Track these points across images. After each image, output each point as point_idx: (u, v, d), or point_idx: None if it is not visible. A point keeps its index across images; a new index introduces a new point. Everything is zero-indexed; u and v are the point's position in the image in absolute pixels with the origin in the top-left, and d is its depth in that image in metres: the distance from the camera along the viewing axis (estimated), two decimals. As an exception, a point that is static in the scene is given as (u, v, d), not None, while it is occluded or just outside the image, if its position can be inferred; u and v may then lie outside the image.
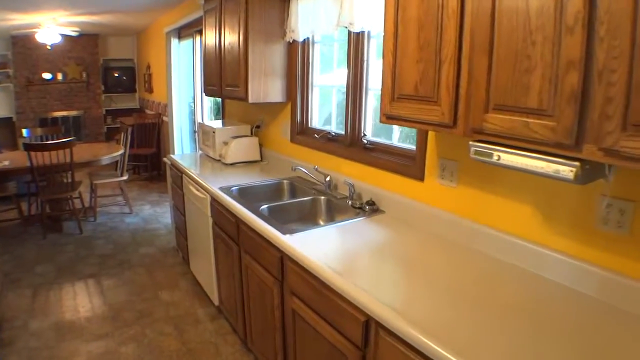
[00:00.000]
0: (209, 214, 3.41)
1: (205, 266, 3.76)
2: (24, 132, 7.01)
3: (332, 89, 3.56)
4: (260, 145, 4.26)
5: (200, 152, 4.74)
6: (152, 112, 9.25)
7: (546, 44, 1.43)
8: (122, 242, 5.60)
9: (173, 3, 6.57)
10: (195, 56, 6.66)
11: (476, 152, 1.75)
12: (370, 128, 3.14)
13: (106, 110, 10.98)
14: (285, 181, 3.55)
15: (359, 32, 2.96)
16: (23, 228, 6.12)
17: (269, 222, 2.58)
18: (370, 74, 3.05)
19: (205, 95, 4.60)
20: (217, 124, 4.52)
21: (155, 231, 5.96)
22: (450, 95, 1.79)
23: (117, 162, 6.51)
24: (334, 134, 3.38)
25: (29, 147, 5.37)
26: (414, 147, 2.68)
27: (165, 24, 7.56)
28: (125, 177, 6.54)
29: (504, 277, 1.98)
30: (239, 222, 2.89)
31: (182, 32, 7.14)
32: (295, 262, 2.23)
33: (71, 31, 7.72)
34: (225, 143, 4.09)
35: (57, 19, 7.17)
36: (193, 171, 3.86)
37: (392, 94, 2.06)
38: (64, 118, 10.51)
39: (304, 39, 3.52)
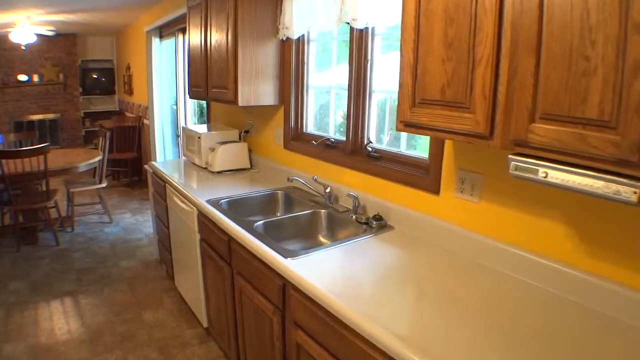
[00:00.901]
0: (196, 229, 3.11)
1: (192, 284, 3.46)
2: (-4, 137, 6.65)
3: (331, 90, 3.27)
4: (250, 151, 3.97)
5: (184, 158, 4.43)
6: (133, 115, 8.90)
7: (609, 43, 1.16)
8: (101, 255, 5.27)
9: (153, 0, 6.26)
10: (178, 56, 6.35)
11: (517, 168, 1.48)
12: (374, 133, 2.87)
13: (84, 113, 10.62)
14: (279, 192, 3.26)
15: (362, 29, 2.68)
16: (-5, 240, 5.76)
17: (266, 242, 2.28)
18: (374, 74, 2.78)
19: (190, 97, 4.29)
20: (203, 128, 4.22)
21: (137, 242, 5.64)
22: (486, 100, 1.52)
23: (95, 168, 6.17)
24: (333, 140, 3.09)
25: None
26: (426, 156, 2.41)
27: (145, 22, 7.24)
28: (104, 185, 6.20)
29: (535, 302, 1.73)
30: (231, 240, 2.59)
31: (164, 31, 6.82)
32: (299, 291, 1.95)
33: (47, 30, 7.39)
34: (212, 149, 3.79)
35: (31, 17, 6.85)
36: (177, 181, 3.56)
37: (413, 98, 1.78)
38: (41, 121, 10.15)
39: (299, 37, 3.23)
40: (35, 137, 6.79)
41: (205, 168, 3.89)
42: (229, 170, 3.80)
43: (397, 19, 1.88)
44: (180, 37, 6.25)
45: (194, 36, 3.97)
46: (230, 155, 3.78)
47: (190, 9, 4.04)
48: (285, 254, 2.13)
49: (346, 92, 2.92)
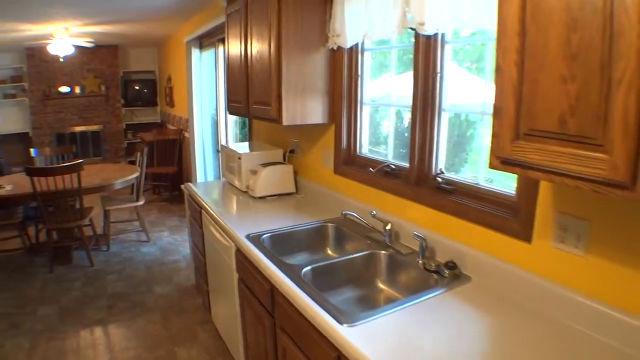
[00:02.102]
0: (234, 267, 2.72)
1: (229, 323, 3.07)
2: (32, 151, 6.42)
3: (390, 108, 2.84)
4: (295, 173, 3.56)
5: (223, 179, 4.06)
6: (174, 128, 8.66)
7: None
8: (136, 279, 4.94)
9: (192, 10, 5.97)
10: (219, 67, 6.01)
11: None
12: (444, 160, 2.42)
13: (126, 125, 10.45)
14: (329, 225, 2.83)
15: (430, 36, 2.24)
16: (29, 258, 5.54)
17: (317, 300, 1.85)
18: (445, 89, 2.34)
19: (229, 113, 3.92)
20: (243, 147, 3.84)
21: (174, 264, 5.29)
22: (629, 137, 1.06)
23: (133, 184, 5.88)
24: (394, 166, 2.65)
25: (31, 172, 4.76)
26: (512, 192, 1.95)
27: (185, 33, 6.97)
28: (141, 202, 5.89)
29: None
30: (274, 289, 2.18)
31: (204, 41, 6.52)
32: (360, 371, 1.52)
33: (85, 42, 7.20)
34: (254, 172, 3.40)
35: (69, 29, 6.65)
36: (214, 209, 3.17)
37: (516, 128, 1.33)
38: (83, 133, 10.03)
39: (352, 46, 2.81)
40: (72, 152, 6.54)
41: (246, 192, 3.51)
42: (273, 195, 3.40)
43: (481, 24, 1.43)
44: (220, 47, 5.93)
45: (233, 46, 3.60)
46: (274, 178, 3.39)
47: (229, 17, 3.68)
48: (341, 318, 1.69)
49: (408, 110, 2.49)
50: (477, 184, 2.19)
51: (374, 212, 2.50)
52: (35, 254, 5.63)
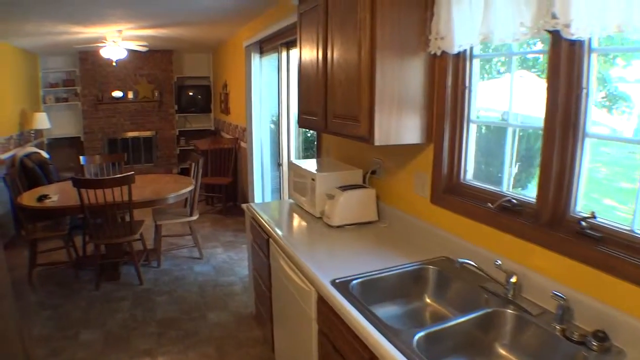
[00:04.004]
0: (314, 316, 2.24)
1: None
2: (81, 159, 6.11)
3: (507, 127, 2.32)
4: (377, 197, 3.06)
5: (290, 200, 3.59)
6: (229, 137, 8.31)
7: None
8: (188, 302, 4.54)
9: (253, 12, 5.61)
10: (281, 74, 5.57)
11: None
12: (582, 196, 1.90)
13: (179, 131, 10.20)
14: (430, 268, 2.32)
15: (575, 40, 1.72)
16: (75, 271, 5.22)
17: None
18: (590, 108, 1.82)
19: (300, 127, 3.45)
20: (315, 165, 3.38)
21: (229, 287, 4.87)
22: None
23: (186, 198, 5.50)
24: (514, 201, 2.13)
25: (78, 184, 4.41)
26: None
27: (244, 37, 6.60)
28: (195, 217, 5.50)
29: None
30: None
31: (265, 46, 6.12)
32: None
33: (137, 46, 6.94)
34: (331, 196, 2.93)
35: (122, 32, 6.38)
36: (287, 241, 2.69)
37: None
38: (135, 139, 9.85)
39: (460, 51, 2.31)
40: (123, 160, 6.20)
41: (320, 218, 3.04)
42: (352, 224, 2.92)
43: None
44: (284, 52, 5.49)
45: (308, 50, 3.14)
46: (354, 204, 2.90)
47: (303, 16, 3.23)
48: None
49: (533, 129, 1.97)
50: (631, 229, 1.66)
51: (499, 262, 1.98)
52: (81, 268, 5.32)
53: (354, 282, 2.12)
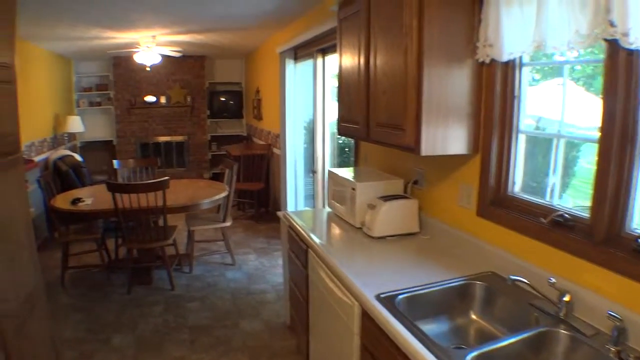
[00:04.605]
0: (357, 331, 2.18)
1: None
2: (115, 163, 6.14)
3: (556, 137, 2.23)
4: (418, 208, 2.98)
5: (328, 209, 3.53)
6: (262, 143, 8.29)
7: None
8: (220, 309, 4.50)
9: (288, 18, 5.59)
10: (316, 81, 5.52)
11: None
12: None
13: (211, 137, 10.24)
14: (478, 284, 2.23)
15: (634, 50, 1.63)
16: (107, 274, 5.24)
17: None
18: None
19: (339, 135, 3.39)
20: (355, 174, 3.31)
21: (262, 295, 4.82)
22: None
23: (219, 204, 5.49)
24: (567, 216, 2.03)
25: (113, 188, 4.41)
26: None
27: (277, 43, 6.57)
28: (228, 224, 5.47)
29: None
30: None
31: (299, 52, 6.08)
32: None
33: (171, 51, 6.99)
34: (372, 206, 2.86)
35: (156, 37, 6.43)
36: (327, 252, 2.62)
37: None
38: (167, 144, 9.91)
39: (509, 59, 2.22)
40: (156, 164, 6.21)
41: (359, 228, 2.97)
42: (393, 235, 2.84)
43: None
44: (320, 58, 5.44)
45: (349, 56, 3.08)
46: (396, 215, 2.82)
47: (343, 22, 3.18)
48: None
49: (586, 140, 1.89)
50: None
51: (553, 280, 1.89)
52: (113, 271, 5.35)
53: (400, 297, 2.05)
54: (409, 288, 2.13)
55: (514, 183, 2.40)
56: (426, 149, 2.31)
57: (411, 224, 2.88)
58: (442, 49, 2.30)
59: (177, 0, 4.60)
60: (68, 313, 4.42)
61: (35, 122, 7.02)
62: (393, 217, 2.81)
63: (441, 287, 2.20)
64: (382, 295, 2.04)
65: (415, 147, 2.33)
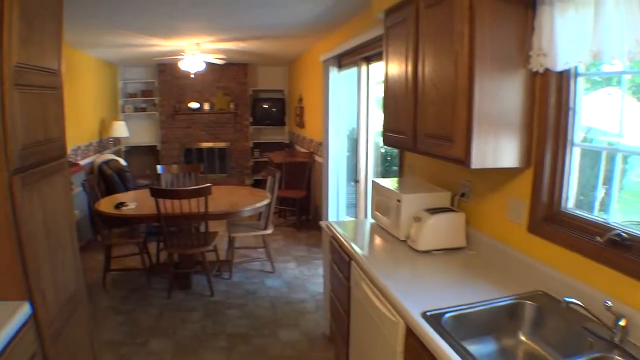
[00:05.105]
0: (400, 349, 2.10)
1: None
2: (158, 168, 6.22)
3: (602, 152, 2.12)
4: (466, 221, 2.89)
5: (371, 220, 3.46)
6: (304, 150, 8.28)
7: None
8: (259, 317, 4.47)
9: (332, 26, 5.56)
10: (360, 89, 5.46)
11: None
12: None
13: (253, 143, 10.28)
14: (527, 303, 2.13)
15: None
16: (148, 278, 5.28)
17: None
18: None
19: (385, 145, 3.32)
20: (401, 185, 3.24)
21: (301, 304, 4.77)
22: None
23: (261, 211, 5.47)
24: (623, 235, 1.92)
25: (156, 193, 4.45)
26: None
27: (321, 51, 6.55)
28: (269, 231, 5.45)
29: None
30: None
31: (343, 60, 6.03)
32: None
33: (215, 59, 7.04)
34: (417, 219, 2.78)
35: (201, 45, 6.49)
36: (372, 266, 2.55)
37: None
38: (210, 149, 10.01)
39: (563, 69, 2.12)
40: (199, 170, 6.25)
41: (404, 241, 2.90)
42: (439, 249, 2.76)
43: None
44: (364, 66, 5.38)
45: (395, 65, 3.02)
46: (442, 229, 2.74)
47: (390, 30, 3.11)
48: None
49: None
50: None
51: (609, 303, 1.78)
52: (154, 275, 5.40)
53: (446, 315, 1.96)
54: (456, 306, 2.05)
55: (567, 198, 2.29)
56: (476, 162, 2.23)
57: (458, 238, 2.79)
58: (494, 57, 2.21)
59: (223, 9, 4.63)
60: (108, 315, 4.47)
61: (81, 127, 7.17)
62: (439, 230, 2.73)
63: (489, 305, 2.10)
64: (428, 313, 1.96)
65: (465, 160, 2.24)
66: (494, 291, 2.23)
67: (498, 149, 2.28)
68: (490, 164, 2.28)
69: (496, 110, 2.25)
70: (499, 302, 2.13)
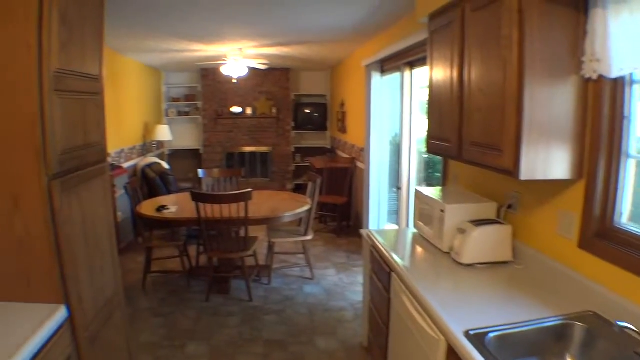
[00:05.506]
0: (441, 367, 2.01)
1: None
2: (199, 172, 6.25)
3: None
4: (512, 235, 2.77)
5: (413, 230, 3.37)
6: (346, 156, 8.22)
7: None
8: (297, 324, 4.42)
9: (375, 30, 5.50)
10: (404, 95, 5.36)
11: None
12: None
13: (295, 148, 10.28)
14: (576, 324, 2.00)
15: None
16: (187, 281, 5.32)
17: None
18: None
19: (428, 152, 3.23)
20: (444, 195, 3.14)
21: (339, 312, 4.69)
22: None
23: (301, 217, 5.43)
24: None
25: (197, 198, 4.46)
26: None
27: (363, 56, 6.50)
28: (309, 237, 5.40)
29: None
30: None
31: (386, 65, 5.95)
32: None
33: (258, 64, 7.06)
34: (462, 231, 2.68)
35: (243, 50, 6.51)
36: (414, 280, 2.46)
37: None
38: (252, 154, 10.06)
39: (619, 76, 2.00)
40: (240, 175, 6.25)
41: (447, 253, 2.80)
42: (484, 263, 2.65)
43: None
44: (407, 72, 5.29)
45: (440, 71, 2.93)
46: (487, 242, 2.63)
47: (434, 34, 3.03)
48: None
49: None
50: None
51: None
52: (193, 278, 5.42)
53: (490, 335, 1.86)
54: (501, 325, 1.94)
55: (620, 213, 2.16)
56: (526, 173, 2.12)
57: (504, 252, 2.67)
58: (545, 63, 2.11)
59: (266, 14, 4.61)
60: (147, 317, 4.49)
61: (125, 130, 7.28)
62: (485, 243, 2.62)
63: (536, 326, 1.99)
64: (471, 332, 1.86)
65: (513, 170, 2.14)
66: (541, 310, 2.11)
67: (548, 160, 2.17)
68: (540, 175, 2.17)
69: (547, 119, 2.14)
70: (546, 322, 2.02)
